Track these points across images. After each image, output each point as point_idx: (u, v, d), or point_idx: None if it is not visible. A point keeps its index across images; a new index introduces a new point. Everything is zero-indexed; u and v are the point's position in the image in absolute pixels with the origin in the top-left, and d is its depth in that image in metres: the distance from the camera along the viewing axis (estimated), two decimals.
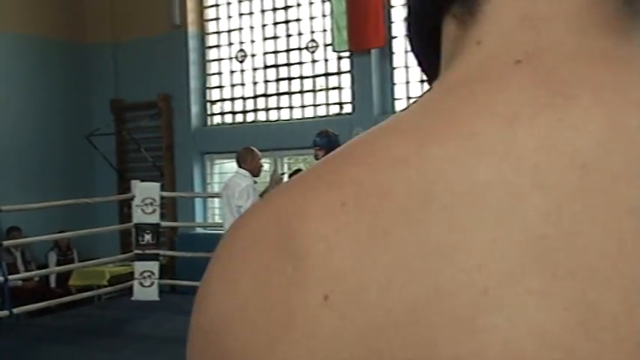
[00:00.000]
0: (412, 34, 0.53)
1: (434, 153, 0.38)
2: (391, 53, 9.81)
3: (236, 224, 0.47)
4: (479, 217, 0.36)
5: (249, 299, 0.40)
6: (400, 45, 9.75)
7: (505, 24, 0.42)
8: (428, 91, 0.46)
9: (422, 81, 9.66)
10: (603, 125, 0.36)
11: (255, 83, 10.93)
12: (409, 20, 0.52)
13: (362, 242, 0.37)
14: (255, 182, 6.63)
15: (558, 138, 0.37)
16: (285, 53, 10.66)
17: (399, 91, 9.84)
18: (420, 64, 0.55)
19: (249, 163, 6.68)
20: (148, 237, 8.79)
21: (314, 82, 10.44)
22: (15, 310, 7.62)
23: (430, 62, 0.51)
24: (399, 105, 9.80)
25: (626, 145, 0.36)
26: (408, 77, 9.78)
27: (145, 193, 8.68)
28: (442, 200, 0.37)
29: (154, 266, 8.82)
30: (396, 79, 9.85)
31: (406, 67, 9.77)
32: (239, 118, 11.15)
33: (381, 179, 0.39)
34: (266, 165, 10.94)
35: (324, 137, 6.40)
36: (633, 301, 0.34)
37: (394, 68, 9.85)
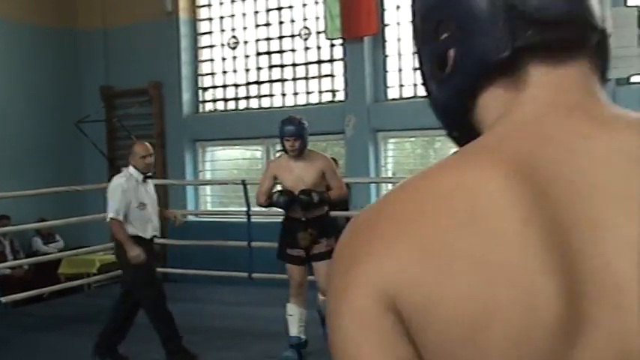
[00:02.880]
0: (446, 115, 0.92)
1: (546, 152, 0.79)
2: (384, 41, 9.74)
3: (425, 173, 0.80)
4: (593, 201, 0.76)
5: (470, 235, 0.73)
6: (393, 32, 9.70)
7: (548, 87, 0.83)
8: (491, 133, 0.84)
9: (415, 69, 9.62)
10: (630, 140, 0.79)
11: (247, 70, 10.85)
12: (443, 106, 0.90)
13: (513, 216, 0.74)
14: (148, 178, 6.10)
15: (610, 145, 0.78)
16: (277, 40, 10.58)
17: (392, 79, 9.78)
18: (452, 128, 0.93)
19: (131, 159, 6.14)
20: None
21: (306, 70, 10.38)
22: (3, 299, 7.55)
23: (463, 127, 0.90)
24: (392, 93, 9.75)
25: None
26: (400, 65, 9.72)
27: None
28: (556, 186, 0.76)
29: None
30: (388, 67, 9.79)
31: (399, 54, 9.71)
32: (231, 105, 11.07)
33: (528, 164, 0.77)
34: (258, 153, 10.89)
35: (299, 126, 5.82)
36: None
37: (387, 56, 9.79)
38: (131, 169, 6.02)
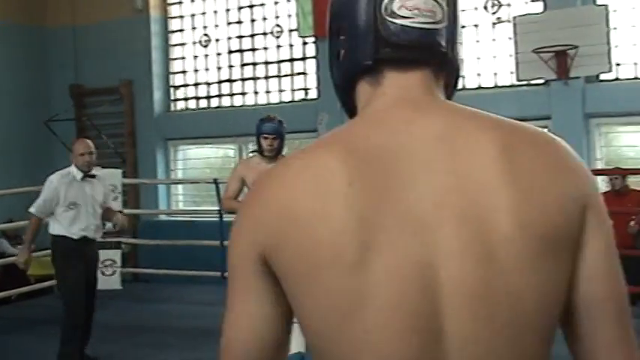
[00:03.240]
0: (339, 93, 1.26)
1: (365, 135, 1.13)
2: None
3: (285, 161, 1.16)
4: (406, 168, 1.10)
5: (311, 188, 1.08)
6: None
7: (395, 87, 1.17)
8: (356, 118, 1.22)
9: None
10: (441, 123, 1.12)
11: (219, 68, 10.81)
12: (337, 86, 1.25)
13: (340, 176, 1.09)
14: (89, 177, 5.92)
15: (426, 126, 1.12)
16: (249, 38, 10.56)
17: None
18: (343, 104, 1.27)
19: (72, 156, 6.01)
20: (109, 225, 8.62)
21: (279, 68, 10.36)
22: None
23: (349, 104, 1.25)
24: None
25: (452, 134, 1.11)
26: None
27: (106, 179, 8.52)
28: (380, 157, 1.10)
29: (115, 255, 8.69)
30: None
31: None
32: (203, 103, 11.02)
33: (360, 146, 1.11)
34: (231, 151, 10.85)
35: (280, 124, 5.46)
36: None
37: None
38: (72, 166, 5.91)
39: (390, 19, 1.18)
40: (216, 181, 8.45)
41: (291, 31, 10.12)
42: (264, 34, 10.44)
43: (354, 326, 1.06)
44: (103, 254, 8.66)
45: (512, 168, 1.11)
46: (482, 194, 1.09)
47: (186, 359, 5.51)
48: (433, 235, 1.06)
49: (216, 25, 10.79)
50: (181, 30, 11.08)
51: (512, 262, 1.07)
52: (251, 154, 5.57)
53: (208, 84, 10.92)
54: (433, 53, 1.20)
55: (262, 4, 10.42)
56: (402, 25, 1.18)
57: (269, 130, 5.37)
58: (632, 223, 7.84)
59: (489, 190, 1.09)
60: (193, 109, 11.06)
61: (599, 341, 1.13)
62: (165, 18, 11.13)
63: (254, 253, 1.12)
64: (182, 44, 11.10)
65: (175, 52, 11.18)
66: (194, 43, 10.99)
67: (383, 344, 1.05)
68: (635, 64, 8.42)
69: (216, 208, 8.32)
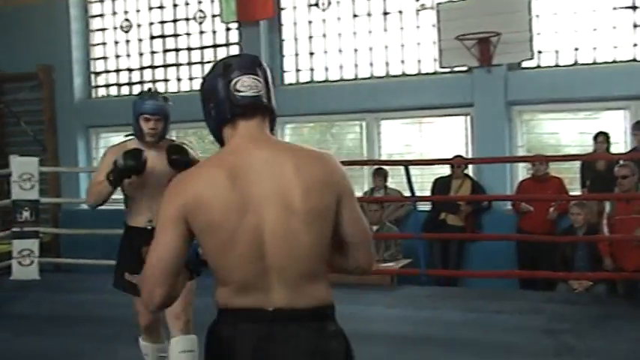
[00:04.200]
0: (214, 136, 2.28)
1: (231, 159, 2.16)
2: (280, 25, 9.69)
3: (194, 167, 2.29)
4: (251, 175, 2.13)
5: (208, 185, 2.11)
6: (289, 16, 9.65)
7: (243, 129, 2.19)
8: (222, 149, 2.26)
9: (311, 53, 9.60)
10: (267, 150, 2.15)
11: (141, 54, 10.61)
12: (212, 131, 2.28)
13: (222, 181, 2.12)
14: None
15: (259, 153, 2.15)
16: (172, 23, 10.39)
17: (288, 64, 9.73)
18: (217, 141, 2.28)
19: None
20: (26, 214, 8.43)
21: (202, 54, 10.23)
22: None
23: (220, 141, 2.27)
24: (288, 77, 9.70)
25: (272, 157, 2.14)
26: (297, 49, 9.69)
27: (23, 168, 8.31)
28: (239, 170, 2.13)
29: (33, 244, 8.47)
30: (285, 51, 9.74)
31: (295, 38, 9.67)
32: (125, 90, 10.81)
33: (227, 163, 2.16)
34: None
35: (165, 102, 4.21)
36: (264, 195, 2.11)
37: (283, 40, 9.74)
38: None
39: (235, 93, 2.19)
40: None
41: (214, 16, 10.00)
42: (187, 19, 10.28)
43: (227, 256, 2.11)
44: (20, 244, 8.45)
45: (299, 172, 2.12)
46: (287, 187, 2.11)
47: (106, 349, 5.39)
48: (262, 210, 2.10)
49: (138, 10, 10.58)
50: (102, 15, 10.83)
51: (299, 220, 2.10)
52: (125, 138, 4.27)
53: (130, 70, 10.72)
54: (260, 107, 2.22)
55: None
56: (242, 96, 2.19)
57: (149, 110, 4.13)
58: (551, 209, 8.00)
59: (289, 185, 2.11)
60: (115, 96, 10.84)
61: (355, 246, 2.25)
62: (85, 2, 10.87)
63: (179, 214, 2.11)
64: (103, 29, 10.85)
65: (96, 37, 10.93)
66: (115, 28, 10.76)
67: (238, 264, 2.11)
68: (557, 51, 8.55)
69: None
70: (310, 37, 9.63)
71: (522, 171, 8.73)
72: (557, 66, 8.59)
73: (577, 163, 8.18)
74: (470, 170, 8.69)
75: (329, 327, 2.18)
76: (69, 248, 9.86)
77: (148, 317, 4.14)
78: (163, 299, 2.13)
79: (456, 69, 8.80)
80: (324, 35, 9.56)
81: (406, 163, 7.06)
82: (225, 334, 2.15)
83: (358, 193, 9.15)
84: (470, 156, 8.78)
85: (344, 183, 2.20)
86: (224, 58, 2.29)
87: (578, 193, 8.05)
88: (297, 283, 2.12)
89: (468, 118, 8.91)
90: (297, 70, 9.70)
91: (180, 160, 3.98)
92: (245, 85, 2.18)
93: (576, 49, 8.48)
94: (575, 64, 8.51)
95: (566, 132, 8.88)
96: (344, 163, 8.94)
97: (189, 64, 10.31)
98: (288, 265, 2.10)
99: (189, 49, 10.30)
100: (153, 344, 4.25)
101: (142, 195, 4.05)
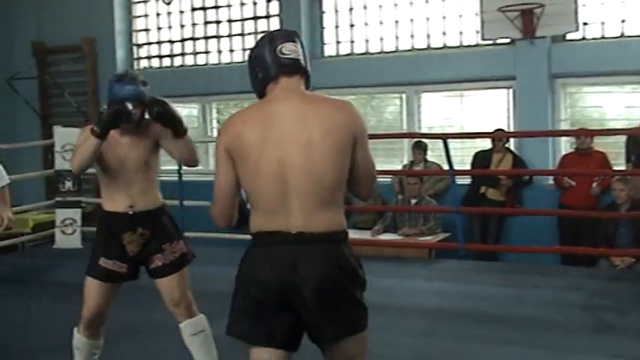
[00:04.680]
0: (258, 94, 2.75)
1: (268, 105, 2.66)
2: None
3: (225, 122, 2.74)
4: (281, 117, 2.61)
5: (239, 121, 2.68)
6: None
7: (284, 84, 2.68)
8: (264, 99, 2.73)
9: (351, 25, 9.55)
10: (298, 100, 2.63)
11: (182, 26, 10.64)
12: (257, 91, 2.75)
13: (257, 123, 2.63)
14: None
15: (292, 101, 2.63)
16: None
17: (329, 36, 9.69)
18: (257, 94, 2.76)
19: None
20: (68, 184, 8.56)
21: (242, 26, 10.21)
22: None
23: (262, 96, 2.74)
24: (328, 50, 9.66)
25: (301, 104, 2.61)
26: (337, 21, 9.63)
27: (66, 138, 8.40)
28: (268, 110, 2.64)
29: (75, 214, 8.60)
30: (325, 23, 9.69)
31: (336, 10, 9.61)
32: (166, 62, 10.86)
33: (265, 109, 2.68)
34: (194, 110, 10.73)
35: (143, 86, 3.92)
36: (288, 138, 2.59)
37: (323, 12, 9.69)
38: None
39: (281, 55, 2.68)
40: None
41: None
42: None
43: (255, 183, 2.58)
44: (63, 213, 8.59)
45: (322, 115, 2.58)
46: (310, 127, 2.56)
47: (146, 316, 5.46)
48: (286, 145, 2.55)
49: None
50: None
51: (318, 155, 2.54)
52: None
53: (171, 42, 10.76)
54: (299, 68, 2.71)
55: None
56: (286, 57, 2.68)
57: (132, 95, 3.81)
58: (594, 185, 7.89)
59: (312, 125, 2.56)
60: (157, 68, 10.91)
61: (359, 180, 2.69)
62: None
63: (225, 149, 2.62)
64: (145, 1, 10.89)
65: (138, 9, 10.98)
66: (157, 0, 10.79)
67: (264, 191, 2.57)
68: (602, 23, 8.38)
69: (176, 167, 8.24)
70: (351, 9, 9.57)
71: (565, 145, 8.61)
72: (603, 38, 8.42)
73: (622, 138, 8.00)
74: (511, 144, 8.60)
75: (342, 249, 2.58)
76: None
77: (95, 309, 3.90)
78: (230, 217, 2.75)
79: (499, 41, 8.68)
80: (365, 7, 9.49)
81: (445, 137, 7.00)
82: (256, 254, 2.62)
83: (397, 167, 9.13)
84: (511, 129, 8.68)
85: (360, 126, 2.64)
86: (268, 32, 2.84)
87: (622, 168, 7.91)
88: (314, 209, 2.54)
89: (510, 91, 8.79)
90: (337, 43, 9.65)
91: (163, 112, 3.77)
92: (288, 49, 2.70)
93: (623, 21, 8.30)
94: (622, 36, 8.34)
95: (612, 105, 8.71)
96: (383, 136, 8.95)
97: (230, 36, 10.31)
98: (307, 193, 2.53)
99: (229, 21, 10.29)
100: (87, 339, 4.00)
101: (119, 180, 3.87)
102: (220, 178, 2.66)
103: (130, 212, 3.85)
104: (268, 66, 2.68)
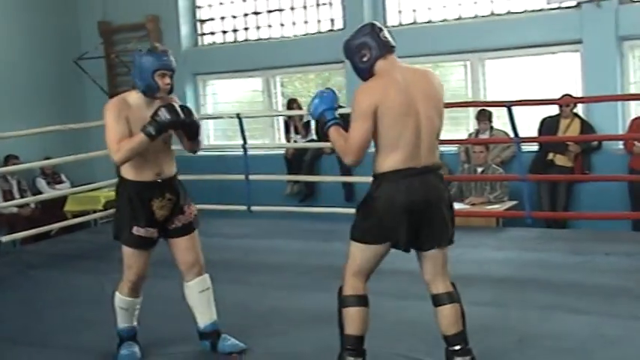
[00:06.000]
0: (362, 75, 3.62)
1: (391, 76, 3.51)
2: None
3: (364, 89, 3.54)
4: (406, 83, 3.51)
5: (380, 86, 3.51)
6: None
7: (390, 59, 3.58)
8: (380, 72, 3.57)
9: None
10: (407, 71, 3.57)
11: (244, 0, 10.69)
12: (362, 71, 3.60)
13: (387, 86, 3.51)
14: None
15: (405, 73, 3.54)
16: None
17: (391, 5, 9.61)
18: (361, 72, 3.62)
19: None
20: None
21: None
22: (4, 239, 7.58)
23: (366, 77, 3.60)
24: (391, 20, 9.59)
25: (411, 74, 3.56)
26: None
27: None
28: (394, 78, 3.51)
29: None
30: None
31: None
32: (230, 37, 10.94)
33: (390, 77, 3.53)
34: (258, 85, 10.81)
35: (173, 58, 4.15)
36: (418, 98, 3.51)
37: None
38: None
39: (384, 39, 3.55)
40: (238, 116, 8.40)
41: None
42: None
43: (401, 129, 3.45)
44: None
45: (428, 82, 3.56)
46: (425, 91, 3.51)
47: (215, 291, 5.60)
48: (418, 105, 3.47)
49: None
50: None
51: (434, 112, 3.54)
52: (133, 92, 4.16)
53: (234, 17, 10.82)
54: (394, 48, 3.58)
55: None
56: (387, 40, 3.57)
57: (169, 65, 4.09)
58: None
59: (425, 90, 3.52)
60: (221, 43, 11.00)
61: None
62: None
63: (370, 106, 3.40)
64: None
65: None
66: None
67: (407, 134, 3.46)
68: None
69: (241, 142, 8.34)
70: None
71: (635, 109, 8.42)
72: None
73: None
74: (579, 109, 8.45)
75: (442, 175, 3.67)
76: None
77: (139, 272, 4.24)
78: (354, 162, 3.49)
79: (564, 5, 8.50)
80: None
81: (510, 104, 6.91)
82: (393, 182, 3.50)
83: (463, 135, 9.06)
84: (579, 94, 8.52)
85: (442, 90, 3.66)
86: (368, 24, 3.63)
87: None
88: (431, 151, 3.56)
89: (577, 55, 8.62)
90: (399, 12, 9.58)
91: (190, 122, 4.08)
92: (386, 35, 3.59)
93: None
94: None
95: None
96: (448, 105, 8.85)
97: (292, 8, 10.32)
98: (429, 140, 3.54)
99: None
100: (133, 299, 4.34)
101: (148, 153, 4.05)
102: (361, 132, 3.42)
103: (159, 180, 4.15)
104: (375, 47, 3.53)
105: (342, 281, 3.69)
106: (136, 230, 4.14)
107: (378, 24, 3.63)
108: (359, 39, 3.54)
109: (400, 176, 3.47)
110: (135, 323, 4.41)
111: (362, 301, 3.61)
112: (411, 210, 3.47)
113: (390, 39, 3.57)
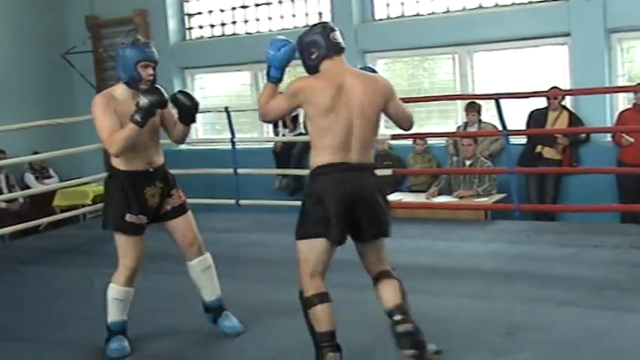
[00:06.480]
0: (310, 70, 3.81)
1: (331, 75, 3.73)
2: None
3: (301, 78, 3.81)
4: (345, 84, 3.72)
5: (314, 81, 3.76)
6: None
7: (336, 60, 3.78)
8: (322, 71, 3.78)
9: None
10: (350, 74, 3.77)
11: None
12: (310, 66, 3.81)
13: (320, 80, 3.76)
14: None
15: (346, 75, 3.75)
16: None
17: None
18: (308, 68, 3.82)
19: None
20: None
21: None
22: None
23: (312, 72, 3.81)
24: (379, 13, 9.58)
25: (354, 76, 3.77)
26: None
27: None
28: (333, 77, 3.72)
29: None
30: None
31: None
32: (218, 31, 10.91)
33: (326, 76, 3.76)
34: (247, 78, 10.78)
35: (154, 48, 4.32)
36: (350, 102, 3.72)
37: None
38: None
39: (333, 40, 3.74)
40: (227, 110, 8.38)
41: None
42: None
43: (331, 125, 3.66)
44: None
45: (370, 85, 3.75)
46: (362, 93, 3.69)
47: None
48: (352, 102, 3.67)
49: None
50: None
51: (370, 110, 3.72)
52: (118, 86, 4.28)
53: (222, 11, 10.79)
54: (343, 49, 3.78)
55: None
56: (337, 42, 3.75)
57: (152, 57, 4.23)
58: None
59: (363, 91, 3.70)
60: (209, 38, 10.97)
61: (401, 122, 3.96)
62: None
63: (295, 90, 3.71)
64: None
65: None
66: None
67: (336, 130, 3.66)
68: None
69: (229, 136, 8.33)
70: None
71: (623, 101, 8.44)
72: None
73: None
74: (567, 101, 8.46)
75: (374, 173, 3.83)
76: None
77: (135, 259, 4.31)
78: (263, 120, 4.04)
79: None
80: None
81: (498, 97, 6.91)
82: (325, 175, 3.69)
83: (451, 128, 9.05)
84: (567, 87, 8.53)
85: (390, 91, 3.83)
86: (320, 23, 3.85)
87: None
88: (365, 150, 3.74)
89: (565, 47, 8.63)
90: (387, 5, 9.57)
91: (188, 106, 4.34)
92: (337, 36, 3.77)
93: None
94: None
95: None
96: (436, 98, 8.87)
97: (280, 2, 10.30)
98: (363, 140, 3.70)
99: None
100: (130, 288, 4.38)
101: (139, 143, 4.20)
102: (276, 104, 3.80)
103: (150, 169, 4.33)
104: (324, 47, 3.70)
105: (298, 285, 3.74)
106: (129, 217, 4.25)
107: (331, 24, 3.80)
108: (310, 37, 3.74)
109: (333, 170, 3.65)
110: (125, 317, 4.43)
111: (325, 297, 3.67)
112: (344, 202, 3.62)
113: (340, 41, 3.75)
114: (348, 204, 3.63)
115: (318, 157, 3.71)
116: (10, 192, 9.63)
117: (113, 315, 4.39)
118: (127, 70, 4.20)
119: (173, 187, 4.49)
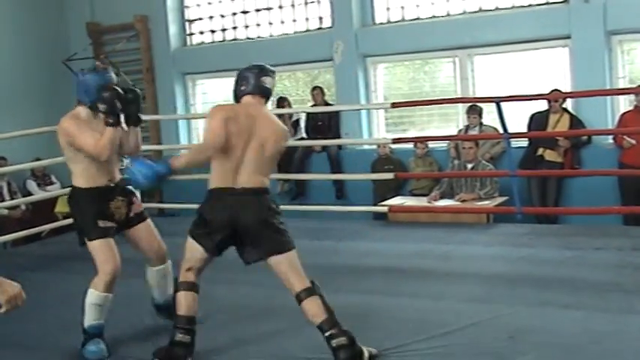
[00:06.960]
0: (235, 99, 4.28)
1: (245, 109, 4.16)
2: None
3: (217, 106, 4.30)
4: (253, 118, 4.13)
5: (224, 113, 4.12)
6: None
7: (256, 101, 4.22)
8: (240, 103, 4.25)
9: None
10: (261, 114, 4.19)
11: (233, 0, 10.67)
12: (237, 96, 4.27)
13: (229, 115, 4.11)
14: None
15: (258, 113, 4.16)
16: None
17: (379, 2, 9.61)
18: (234, 94, 4.31)
19: None
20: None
21: None
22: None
23: (235, 97, 4.30)
24: (379, 17, 9.59)
25: (263, 115, 4.19)
26: None
27: None
28: (246, 111, 4.14)
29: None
30: None
31: None
32: (218, 36, 10.93)
33: (242, 109, 4.18)
34: None
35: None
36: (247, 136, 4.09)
37: None
38: None
39: (262, 83, 4.18)
40: None
41: None
42: None
43: (230, 153, 4.03)
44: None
45: (271, 128, 4.15)
46: (264, 130, 4.09)
47: (207, 289, 5.59)
48: (251, 137, 4.05)
49: None
50: None
51: (269, 146, 4.10)
52: (79, 108, 4.56)
53: (223, 16, 10.80)
54: (268, 94, 4.27)
55: None
56: (264, 86, 4.20)
57: (111, 81, 4.51)
58: None
59: (266, 130, 4.10)
60: (210, 43, 10.98)
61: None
62: None
63: (222, 122, 4.00)
64: None
65: None
66: None
67: (233, 158, 4.03)
68: None
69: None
70: None
71: (624, 103, 8.44)
72: None
73: None
74: (568, 104, 8.46)
75: (265, 197, 4.09)
76: (172, 193, 10.14)
77: (115, 266, 4.46)
78: (199, 164, 4.23)
79: (552, 0, 8.51)
80: None
81: (498, 100, 6.90)
82: (214, 200, 4.05)
83: (453, 131, 9.05)
84: (568, 89, 8.53)
85: (284, 138, 4.26)
86: (258, 65, 4.22)
87: None
88: (255, 176, 4.06)
89: (566, 50, 8.64)
90: (388, 9, 9.58)
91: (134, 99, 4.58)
92: (267, 81, 4.20)
93: None
94: None
95: None
96: (437, 101, 8.85)
97: (280, 7, 10.31)
98: (253, 168, 4.05)
99: None
100: (109, 294, 4.51)
101: (102, 161, 4.52)
102: (213, 136, 4.00)
103: (112, 184, 4.62)
104: (253, 85, 4.15)
105: (177, 272, 4.23)
106: (102, 223, 4.50)
107: (269, 69, 4.24)
108: (246, 72, 4.20)
109: (218, 194, 4.05)
110: (102, 320, 4.54)
111: (190, 287, 4.14)
112: (224, 226, 4.03)
113: (268, 86, 4.21)
114: (230, 228, 4.04)
115: (213, 180, 4.08)
116: (12, 199, 9.65)
117: (90, 319, 4.51)
118: (89, 94, 4.48)
119: (133, 195, 4.78)
